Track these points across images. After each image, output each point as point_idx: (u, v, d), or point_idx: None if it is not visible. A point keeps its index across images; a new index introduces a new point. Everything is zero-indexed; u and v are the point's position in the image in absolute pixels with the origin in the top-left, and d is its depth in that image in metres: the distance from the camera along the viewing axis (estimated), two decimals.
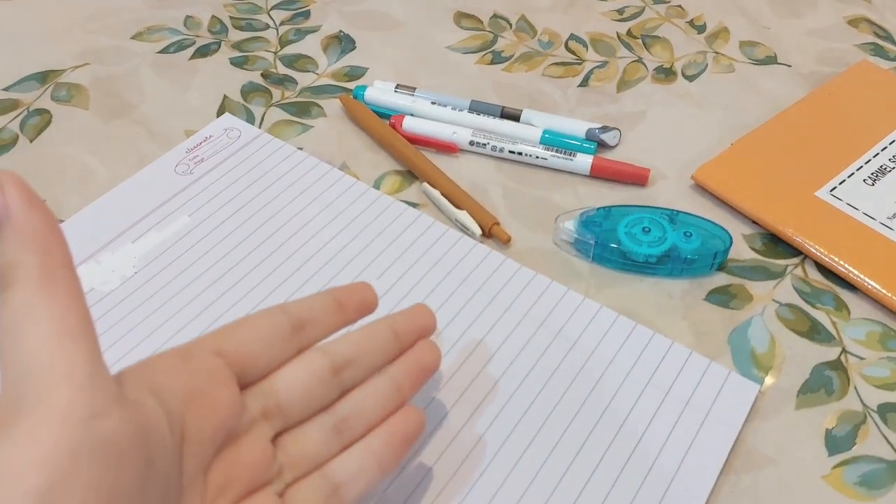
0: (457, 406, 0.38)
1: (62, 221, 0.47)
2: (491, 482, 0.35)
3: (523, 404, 0.38)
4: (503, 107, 0.55)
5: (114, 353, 0.40)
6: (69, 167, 0.51)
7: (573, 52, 0.61)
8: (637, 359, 0.40)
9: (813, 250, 0.45)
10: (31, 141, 0.53)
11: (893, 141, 0.51)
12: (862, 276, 0.44)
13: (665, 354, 0.41)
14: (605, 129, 0.53)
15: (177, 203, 0.48)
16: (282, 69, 0.59)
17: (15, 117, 0.55)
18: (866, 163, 0.50)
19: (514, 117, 0.54)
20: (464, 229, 0.47)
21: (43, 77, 0.58)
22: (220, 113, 0.55)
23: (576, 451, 0.36)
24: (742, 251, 0.47)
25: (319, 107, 0.56)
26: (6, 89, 0.57)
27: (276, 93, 0.57)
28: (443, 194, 0.49)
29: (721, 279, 0.45)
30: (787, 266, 0.46)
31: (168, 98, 0.56)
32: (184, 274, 0.44)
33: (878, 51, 0.61)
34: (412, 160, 0.51)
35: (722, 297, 0.44)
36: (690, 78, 0.59)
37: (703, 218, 0.46)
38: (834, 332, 0.42)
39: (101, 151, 0.52)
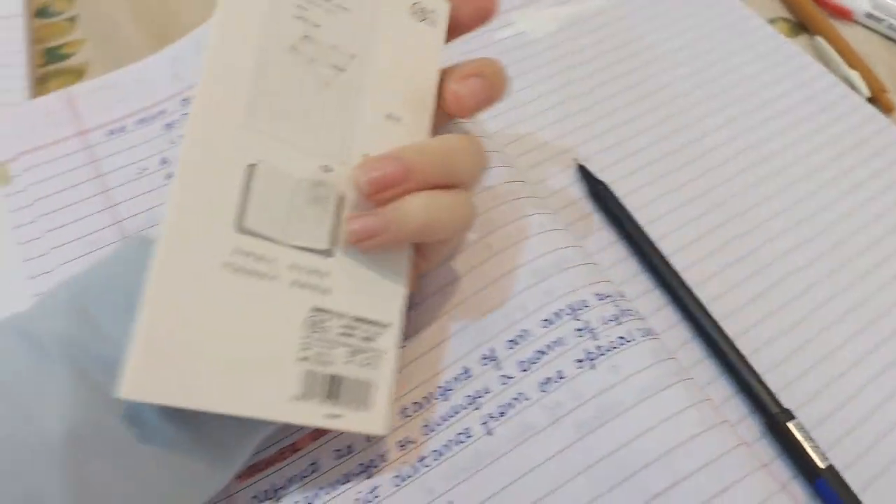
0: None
1: None
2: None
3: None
4: None
5: (529, 94, 0.46)
6: None
7: None
8: None
9: None
10: None
11: None
12: None
13: None
14: None
15: None
16: None
17: None
18: None
19: None
20: (851, 88, 0.50)
21: None
22: None
23: None
24: None
25: None
26: None
27: None
28: (836, 51, 0.51)
29: None
30: None
31: None
32: (598, 45, 0.49)
33: None
34: (811, 13, 0.53)
35: None
36: None
37: None
38: None
39: None
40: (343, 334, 0.27)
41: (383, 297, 0.28)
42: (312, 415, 0.27)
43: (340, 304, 0.27)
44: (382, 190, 0.27)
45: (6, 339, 0.26)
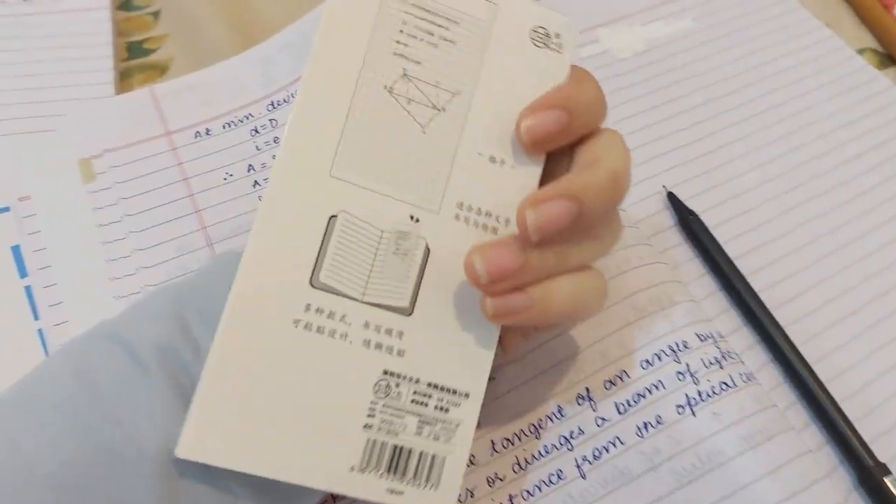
0: None
1: None
2: None
3: None
4: None
5: (614, 115, 0.45)
6: None
7: None
8: None
9: None
10: None
11: None
12: None
13: None
14: None
15: (683, 6, 0.51)
16: None
17: None
18: None
19: None
20: None
21: None
22: None
23: None
24: None
25: None
26: None
27: None
28: None
29: None
30: None
31: None
32: (687, 67, 0.48)
33: None
34: None
35: None
36: None
37: None
38: None
39: None
40: (415, 402, 0.25)
41: (466, 362, 0.26)
42: (371, 489, 0.25)
43: (415, 368, 0.25)
44: (509, 277, 0.24)
45: (100, 346, 0.26)
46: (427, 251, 0.25)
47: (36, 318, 0.34)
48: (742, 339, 0.37)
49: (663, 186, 0.42)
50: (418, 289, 0.25)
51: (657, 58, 0.48)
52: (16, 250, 0.35)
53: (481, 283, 0.24)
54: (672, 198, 0.41)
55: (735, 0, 0.52)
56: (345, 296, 0.25)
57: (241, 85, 0.42)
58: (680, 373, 0.31)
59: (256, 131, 0.40)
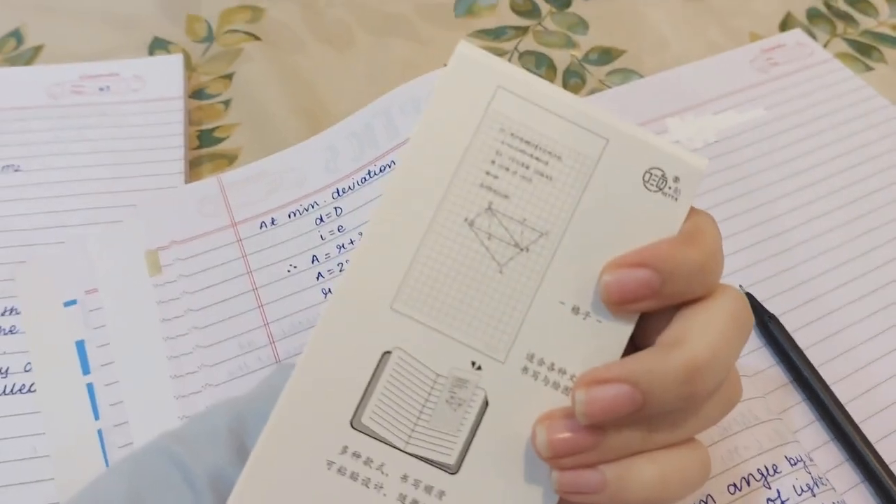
0: None
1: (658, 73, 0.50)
2: None
3: None
4: None
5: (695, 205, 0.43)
6: (647, 30, 0.55)
7: None
8: None
9: None
10: None
11: None
12: None
13: None
14: None
15: (753, 94, 0.50)
16: (842, 6, 0.59)
17: None
18: None
19: None
20: None
21: None
22: (783, 27, 0.56)
23: None
24: None
25: (880, 52, 0.56)
26: None
27: (839, 25, 0.57)
28: None
29: None
30: None
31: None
32: (761, 159, 0.46)
33: None
34: None
35: None
36: None
37: None
38: None
39: (675, 26, 0.55)
40: None
41: None
42: None
43: None
44: (577, 454, 0.21)
45: (156, 466, 0.25)
46: (485, 404, 0.23)
47: (96, 417, 0.33)
48: (830, 455, 0.35)
49: (740, 286, 0.40)
50: (469, 445, 0.23)
51: (729, 148, 0.47)
52: (80, 345, 0.35)
53: (543, 456, 0.22)
54: (750, 299, 0.39)
55: (808, 88, 0.51)
56: (386, 442, 0.23)
57: (306, 172, 0.42)
58: (770, 500, 0.29)
59: (321, 219, 0.40)
